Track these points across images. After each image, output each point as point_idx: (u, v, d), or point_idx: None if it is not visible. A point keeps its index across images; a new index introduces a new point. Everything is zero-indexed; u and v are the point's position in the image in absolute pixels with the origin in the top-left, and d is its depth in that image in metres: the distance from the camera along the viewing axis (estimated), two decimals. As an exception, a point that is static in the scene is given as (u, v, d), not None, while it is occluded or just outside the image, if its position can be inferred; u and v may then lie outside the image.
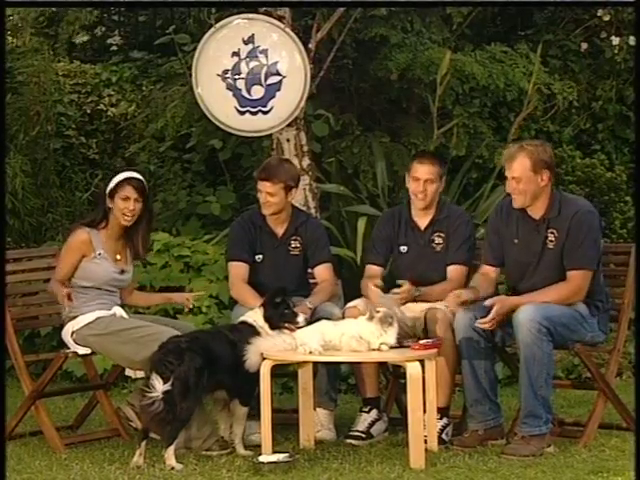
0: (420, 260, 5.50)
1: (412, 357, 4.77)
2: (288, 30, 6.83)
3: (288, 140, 7.01)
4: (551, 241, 4.95)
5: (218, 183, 7.88)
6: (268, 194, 5.45)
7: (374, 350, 4.82)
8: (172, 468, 4.59)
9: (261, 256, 5.58)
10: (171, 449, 4.65)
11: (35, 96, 8.09)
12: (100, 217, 5.22)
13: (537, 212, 4.97)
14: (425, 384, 4.74)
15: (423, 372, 4.71)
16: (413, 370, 4.66)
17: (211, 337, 5.24)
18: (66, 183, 8.03)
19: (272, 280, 5.41)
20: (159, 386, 4.63)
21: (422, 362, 4.74)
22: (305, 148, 7.11)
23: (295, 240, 5.60)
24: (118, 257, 5.27)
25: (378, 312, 4.83)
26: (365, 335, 4.81)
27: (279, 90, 6.84)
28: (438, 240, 5.45)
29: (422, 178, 5.37)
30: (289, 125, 6.96)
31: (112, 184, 5.20)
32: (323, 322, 4.99)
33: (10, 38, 8.71)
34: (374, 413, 5.40)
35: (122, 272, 5.28)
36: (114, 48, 9.37)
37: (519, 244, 5.09)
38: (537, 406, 4.90)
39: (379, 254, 5.66)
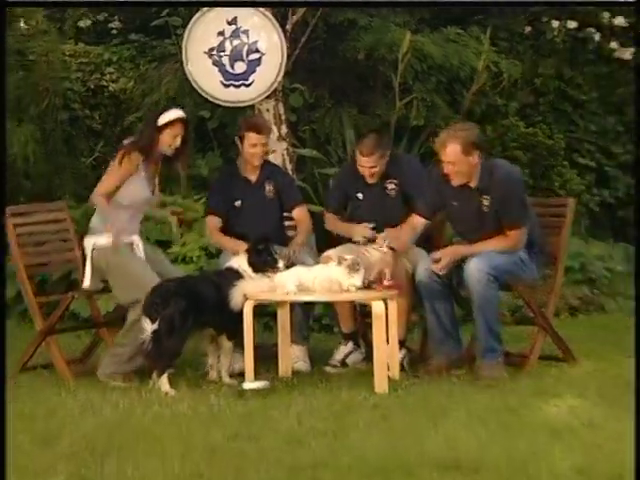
0: (374, 206, 5.42)
1: (376, 296, 4.79)
2: (267, 13, 6.75)
3: (268, 110, 6.97)
4: (486, 205, 4.95)
5: (207, 149, 7.83)
6: (262, 145, 5.44)
7: (344, 291, 4.82)
8: (166, 393, 4.63)
9: (240, 202, 5.52)
10: (164, 377, 4.70)
11: (45, 73, 8.00)
12: (148, 145, 5.15)
13: (471, 183, 4.96)
14: (388, 320, 4.77)
15: (386, 310, 4.74)
16: (377, 308, 4.69)
17: (198, 281, 5.31)
18: (72, 150, 7.95)
19: (252, 222, 5.37)
20: (148, 327, 4.70)
21: (385, 302, 4.75)
22: (283, 117, 7.10)
23: (269, 184, 5.55)
24: (153, 180, 5.31)
25: (346, 259, 4.85)
26: (335, 278, 4.83)
27: (259, 65, 6.80)
28: (391, 187, 5.39)
29: (366, 166, 5.31)
30: (268, 97, 6.92)
31: (165, 119, 5.14)
32: (299, 267, 5.00)
33: (22, 21, 8.65)
34: (350, 345, 5.43)
35: (153, 192, 5.32)
36: (114, 32, 9.24)
37: (458, 207, 5.08)
38: (493, 341, 4.97)
39: (335, 200, 5.67)
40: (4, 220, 5.26)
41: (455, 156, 4.83)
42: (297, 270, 4.96)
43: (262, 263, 5.00)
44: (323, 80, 7.86)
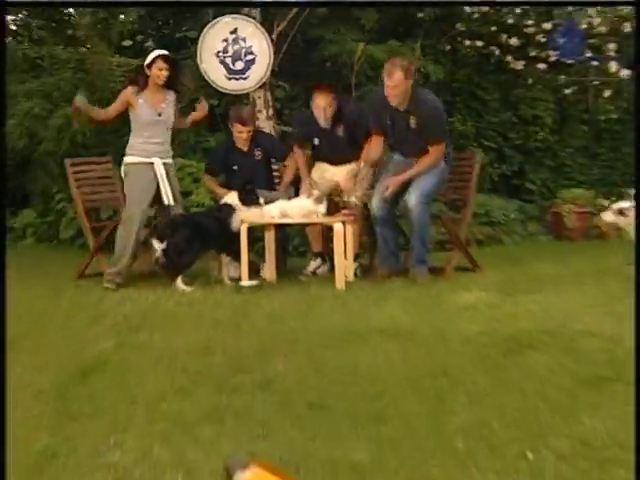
0: (330, 145, 5.19)
1: (337, 220, 4.73)
2: (259, 25, 6.65)
3: (259, 97, 6.87)
4: (413, 123, 4.79)
5: (215, 129, 7.66)
6: (247, 132, 5.34)
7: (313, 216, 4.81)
8: (182, 290, 4.58)
9: (236, 166, 5.41)
10: (178, 280, 4.66)
11: (98, 76, 7.88)
12: (142, 82, 4.99)
13: (402, 106, 4.78)
14: (345, 238, 4.71)
15: (345, 232, 4.68)
16: (338, 228, 4.64)
17: (203, 216, 5.26)
18: (115, 130, 7.82)
19: (245, 180, 5.15)
20: (157, 246, 4.64)
21: (344, 225, 4.69)
22: (270, 103, 6.99)
23: (257, 150, 5.41)
24: (159, 104, 5.01)
25: (314, 194, 4.82)
26: (307, 206, 4.77)
27: (253, 64, 6.66)
28: (339, 130, 5.15)
29: (321, 105, 5.05)
30: (260, 87, 6.82)
31: (149, 58, 4.99)
32: (280, 201, 4.93)
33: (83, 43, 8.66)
34: (319, 261, 5.36)
35: (160, 114, 5.00)
36: (149, 49, 9.11)
37: (392, 125, 4.91)
38: (424, 254, 4.95)
39: (302, 138, 5.37)
40: (4, 217, 5.22)
41: (400, 81, 4.63)
42: (280, 202, 4.90)
43: (248, 199, 4.93)
44: (300, 79, 7.69)
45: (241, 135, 5.33)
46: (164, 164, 4.99)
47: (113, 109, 5.12)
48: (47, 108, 7.65)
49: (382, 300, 4.14)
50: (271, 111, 6.97)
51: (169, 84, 5.05)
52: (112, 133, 7.75)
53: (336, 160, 5.22)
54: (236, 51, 6.65)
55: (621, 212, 4.43)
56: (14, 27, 9.17)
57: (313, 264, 5.35)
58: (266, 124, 6.81)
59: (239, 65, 6.67)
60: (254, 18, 6.69)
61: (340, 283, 4.57)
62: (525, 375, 2.64)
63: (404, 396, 2.43)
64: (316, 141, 5.25)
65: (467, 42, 8.26)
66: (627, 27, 7.54)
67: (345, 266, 4.72)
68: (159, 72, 4.94)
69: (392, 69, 4.68)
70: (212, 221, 4.91)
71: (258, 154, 5.44)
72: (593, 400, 2.35)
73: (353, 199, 4.98)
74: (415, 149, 4.88)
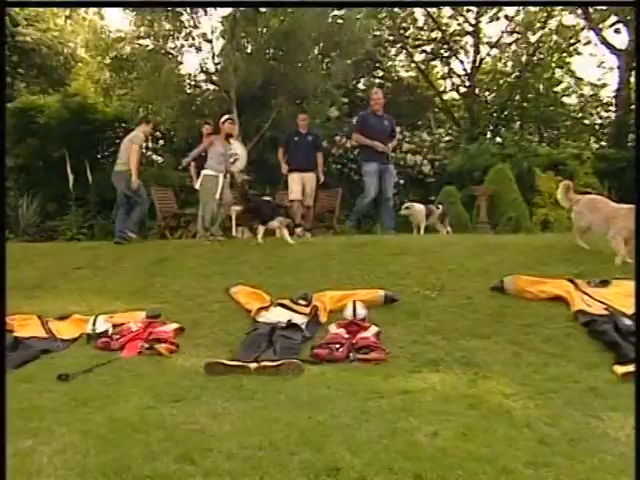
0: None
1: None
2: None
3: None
4: (385, 124, 7.94)
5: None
6: None
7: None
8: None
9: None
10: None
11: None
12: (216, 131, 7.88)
13: (380, 112, 7.86)
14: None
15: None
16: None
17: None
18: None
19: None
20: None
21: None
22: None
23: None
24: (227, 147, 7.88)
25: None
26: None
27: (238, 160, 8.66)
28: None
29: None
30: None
31: (223, 119, 7.99)
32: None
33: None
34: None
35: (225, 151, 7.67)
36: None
37: (375, 126, 7.81)
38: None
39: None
40: (4, 216, 5.97)
41: (381, 96, 7.47)
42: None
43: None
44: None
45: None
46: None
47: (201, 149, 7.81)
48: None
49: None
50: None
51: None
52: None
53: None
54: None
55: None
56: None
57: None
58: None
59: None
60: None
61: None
62: None
63: None
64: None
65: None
66: None
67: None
68: (228, 128, 7.68)
69: (377, 91, 7.76)
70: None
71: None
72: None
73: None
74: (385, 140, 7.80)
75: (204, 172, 7.37)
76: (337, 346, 4.19)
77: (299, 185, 7.98)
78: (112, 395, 3.54)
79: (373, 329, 4.50)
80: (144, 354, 4.46)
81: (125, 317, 5.22)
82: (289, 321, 4.72)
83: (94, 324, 4.97)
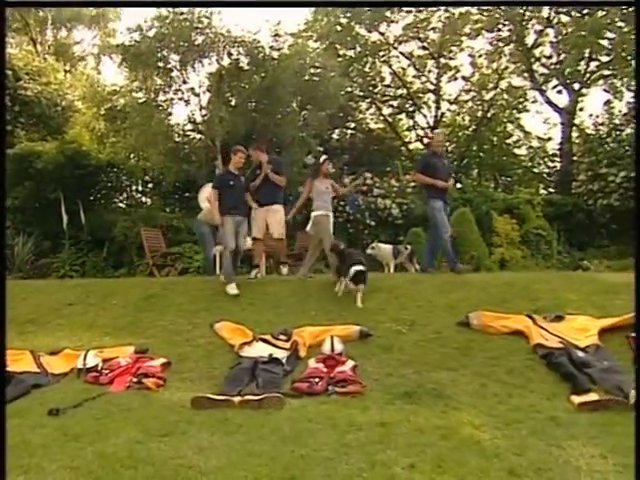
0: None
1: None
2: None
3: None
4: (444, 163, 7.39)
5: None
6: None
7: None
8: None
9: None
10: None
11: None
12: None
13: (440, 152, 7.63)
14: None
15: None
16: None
17: None
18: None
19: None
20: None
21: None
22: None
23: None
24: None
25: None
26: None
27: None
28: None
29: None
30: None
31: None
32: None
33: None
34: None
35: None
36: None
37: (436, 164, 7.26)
38: None
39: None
40: (4, 221, 5.74)
41: (442, 138, 7.69)
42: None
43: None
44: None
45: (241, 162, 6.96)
46: None
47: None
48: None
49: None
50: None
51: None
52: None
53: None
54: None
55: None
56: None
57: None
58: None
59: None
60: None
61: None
62: None
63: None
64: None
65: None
66: None
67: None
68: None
69: (439, 134, 8.01)
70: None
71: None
72: None
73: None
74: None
75: (314, 213, 6.90)
76: (316, 380, 4.10)
77: (263, 221, 7.02)
78: (102, 430, 3.39)
79: (350, 363, 4.42)
80: (132, 388, 4.30)
81: (114, 352, 5.05)
82: (270, 355, 4.61)
83: (85, 359, 4.80)
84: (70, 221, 10.58)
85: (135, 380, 4.38)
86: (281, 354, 4.69)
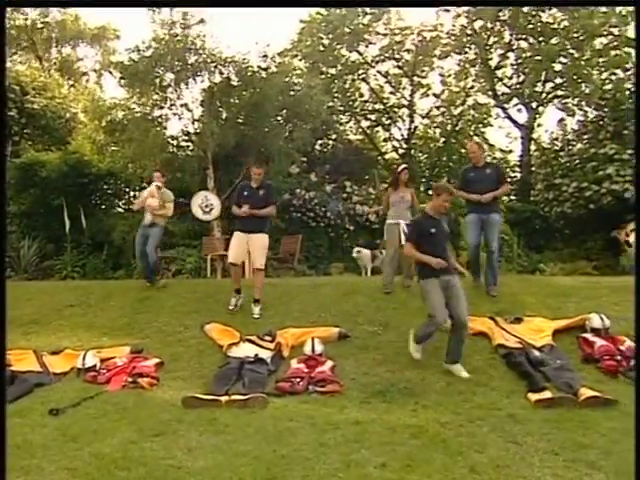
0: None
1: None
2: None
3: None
4: (487, 174, 6.08)
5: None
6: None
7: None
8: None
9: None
10: None
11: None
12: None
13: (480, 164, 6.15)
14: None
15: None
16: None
17: None
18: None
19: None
20: None
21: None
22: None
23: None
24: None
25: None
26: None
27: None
28: None
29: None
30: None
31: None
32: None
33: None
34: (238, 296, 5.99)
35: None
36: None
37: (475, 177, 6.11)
38: None
39: None
40: (4, 220, 5.51)
41: (476, 149, 6.11)
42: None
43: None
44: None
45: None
46: None
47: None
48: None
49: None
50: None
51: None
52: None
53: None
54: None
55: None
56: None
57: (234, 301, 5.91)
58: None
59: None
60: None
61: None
62: None
63: None
64: None
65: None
66: None
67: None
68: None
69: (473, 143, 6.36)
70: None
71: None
72: None
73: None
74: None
75: (388, 221, 6.44)
76: (298, 380, 4.07)
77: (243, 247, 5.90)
78: (99, 429, 3.32)
79: (329, 363, 4.40)
80: (128, 387, 4.23)
81: (112, 352, 4.97)
82: (256, 356, 4.58)
83: (84, 359, 4.71)
84: (72, 225, 10.40)
85: (130, 380, 4.31)
86: (266, 354, 4.65)
